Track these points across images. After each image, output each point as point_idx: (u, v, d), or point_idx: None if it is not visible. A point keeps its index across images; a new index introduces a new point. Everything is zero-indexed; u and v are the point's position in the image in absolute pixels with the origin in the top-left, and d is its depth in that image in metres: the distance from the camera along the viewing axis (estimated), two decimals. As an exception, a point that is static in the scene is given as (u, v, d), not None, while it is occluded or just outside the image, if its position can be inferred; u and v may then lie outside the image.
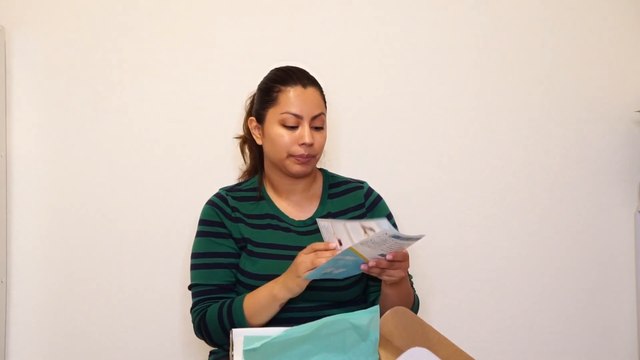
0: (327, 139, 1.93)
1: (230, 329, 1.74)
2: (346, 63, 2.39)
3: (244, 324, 1.76)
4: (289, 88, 1.86)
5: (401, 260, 1.67)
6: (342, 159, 2.37)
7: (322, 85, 1.94)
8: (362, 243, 1.60)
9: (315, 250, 1.70)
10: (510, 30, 2.42)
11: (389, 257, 1.65)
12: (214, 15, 2.37)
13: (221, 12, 2.37)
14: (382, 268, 1.67)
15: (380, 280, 1.87)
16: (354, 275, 1.79)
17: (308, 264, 1.68)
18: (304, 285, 1.71)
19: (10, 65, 2.35)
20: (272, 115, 1.87)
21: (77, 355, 2.37)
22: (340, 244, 1.69)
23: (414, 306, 1.89)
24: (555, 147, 2.44)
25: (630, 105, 2.43)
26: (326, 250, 1.69)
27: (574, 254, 2.46)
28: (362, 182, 2.01)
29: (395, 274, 1.69)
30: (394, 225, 1.92)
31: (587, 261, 2.46)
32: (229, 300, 1.80)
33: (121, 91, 2.36)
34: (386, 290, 1.79)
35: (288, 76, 1.88)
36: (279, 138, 1.85)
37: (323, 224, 1.75)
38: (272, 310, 1.76)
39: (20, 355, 2.37)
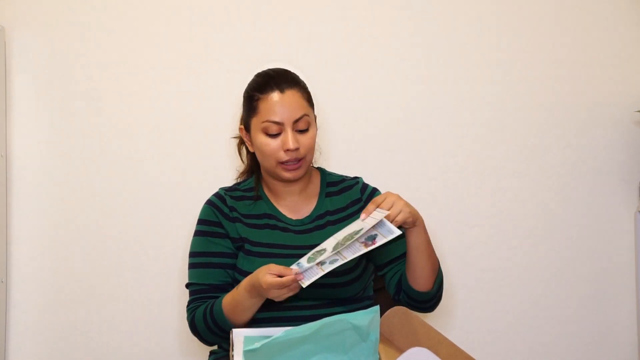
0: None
1: (218, 331, 1.78)
2: (339, 62, 2.39)
3: (227, 324, 1.77)
4: (266, 95, 1.83)
5: (385, 199, 1.72)
6: (337, 159, 2.37)
7: (313, 84, 1.91)
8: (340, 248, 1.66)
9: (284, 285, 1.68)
10: (509, 30, 2.42)
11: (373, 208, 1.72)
12: (211, 17, 2.37)
13: (218, 13, 2.37)
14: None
15: (394, 261, 1.88)
16: (352, 269, 1.79)
17: (282, 298, 1.69)
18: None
19: (10, 65, 2.35)
20: (255, 124, 1.85)
21: (76, 355, 2.37)
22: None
23: (440, 271, 1.87)
24: (555, 147, 2.44)
25: (630, 105, 2.43)
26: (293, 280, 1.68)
27: (573, 254, 2.46)
28: (358, 178, 2.01)
29: (397, 207, 1.70)
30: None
31: (587, 261, 2.46)
32: (212, 302, 1.81)
33: (120, 91, 2.36)
34: (418, 257, 1.79)
35: (265, 82, 1.85)
36: (265, 147, 1.84)
37: (305, 268, 1.70)
38: (252, 312, 1.77)
39: (20, 355, 2.37)
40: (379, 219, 1.69)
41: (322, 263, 1.66)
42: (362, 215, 1.73)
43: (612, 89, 2.44)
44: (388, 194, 1.75)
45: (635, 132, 2.44)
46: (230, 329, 1.74)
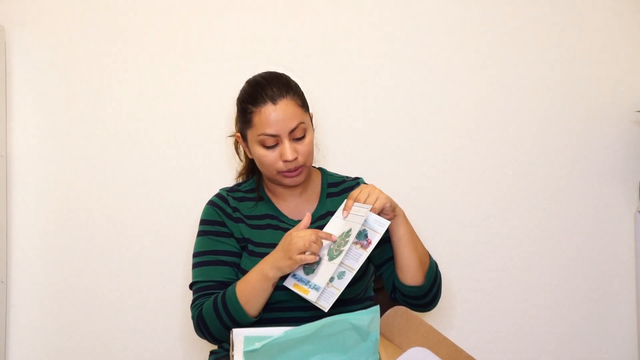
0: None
1: (228, 321, 1.76)
2: (337, 60, 2.39)
3: (240, 310, 1.75)
4: (259, 108, 1.82)
5: (360, 191, 1.76)
6: (336, 157, 2.37)
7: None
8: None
9: (316, 234, 1.71)
10: (509, 30, 2.42)
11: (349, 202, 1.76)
12: (210, 16, 2.37)
13: (216, 13, 2.37)
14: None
15: (390, 260, 1.88)
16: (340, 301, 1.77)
17: (300, 245, 1.69)
18: (294, 265, 1.70)
19: (10, 65, 2.35)
20: (252, 136, 1.85)
21: (77, 355, 2.37)
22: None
23: (432, 264, 1.86)
24: (556, 147, 2.44)
25: (630, 105, 2.43)
26: (327, 239, 1.72)
27: (574, 254, 2.46)
28: (359, 179, 2.01)
29: (374, 195, 1.74)
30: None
31: (587, 261, 2.46)
32: (223, 291, 1.80)
33: (120, 91, 2.36)
34: (401, 248, 1.80)
35: (257, 93, 1.84)
36: (263, 158, 1.84)
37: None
38: (266, 292, 1.76)
39: (20, 355, 2.37)
40: (364, 215, 1.69)
41: (331, 279, 1.68)
42: (344, 213, 1.75)
43: (612, 89, 2.44)
44: (363, 186, 1.78)
45: (635, 132, 2.44)
46: (242, 317, 1.74)
